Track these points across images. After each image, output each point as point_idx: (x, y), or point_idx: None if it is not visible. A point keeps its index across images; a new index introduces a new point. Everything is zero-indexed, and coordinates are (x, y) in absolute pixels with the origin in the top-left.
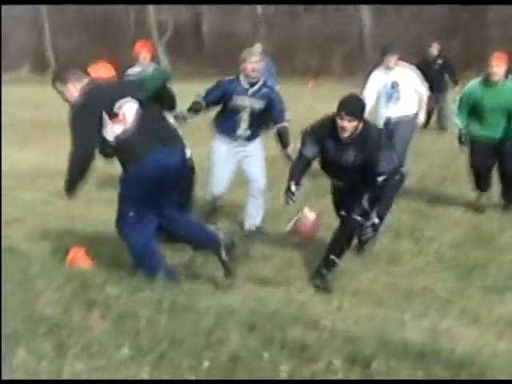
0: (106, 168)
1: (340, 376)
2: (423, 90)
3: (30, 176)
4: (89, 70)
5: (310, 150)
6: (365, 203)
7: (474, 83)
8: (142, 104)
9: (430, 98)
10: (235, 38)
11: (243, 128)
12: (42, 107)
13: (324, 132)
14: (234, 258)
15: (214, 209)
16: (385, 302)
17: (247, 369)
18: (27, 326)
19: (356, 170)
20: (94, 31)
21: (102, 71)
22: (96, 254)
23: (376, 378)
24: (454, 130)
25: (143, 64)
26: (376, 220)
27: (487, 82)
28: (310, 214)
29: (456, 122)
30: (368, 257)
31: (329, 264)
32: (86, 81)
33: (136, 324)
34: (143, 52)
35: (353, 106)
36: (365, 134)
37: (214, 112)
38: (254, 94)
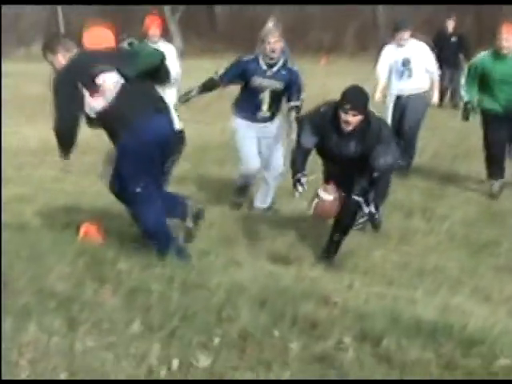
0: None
1: (350, 353)
2: (434, 69)
3: (41, 152)
4: (84, 35)
5: (310, 140)
6: (364, 183)
7: (483, 55)
8: (127, 78)
9: (443, 76)
10: (248, 14)
11: (264, 109)
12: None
13: (325, 123)
14: (198, 225)
15: (245, 187)
16: (396, 280)
17: (257, 345)
18: (38, 301)
19: (355, 160)
20: (106, 6)
21: (98, 39)
22: (107, 229)
23: (387, 355)
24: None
25: (152, 40)
26: (373, 209)
27: (497, 54)
28: (326, 195)
29: (463, 94)
30: (379, 235)
31: (333, 244)
32: (75, 51)
33: (147, 300)
34: (153, 27)
35: (358, 100)
36: (366, 126)
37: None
38: (274, 75)
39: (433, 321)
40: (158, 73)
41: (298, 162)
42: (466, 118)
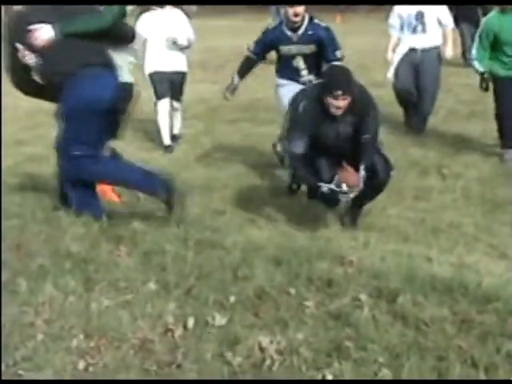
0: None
1: (366, 311)
2: (449, 22)
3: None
4: None
5: (302, 144)
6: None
7: (490, 15)
8: (64, 34)
9: (463, 33)
10: None
11: (304, 73)
12: None
13: (310, 118)
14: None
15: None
16: (411, 237)
17: (273, 304)
18: (54, 262)
19: (348, 139)
20: None
21: None
22: (122, 190)
23: (402, 312)
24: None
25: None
26: (363, 172)
27: (503, 12)
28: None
29: (476, 66)
30: (395, 193)
31: (355, 205)
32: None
33: (163, 259)
34: None
35: (346, 83)
36: (354, 102)
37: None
38: (300, 40)
39: (448, 278)
40: (112, 34)
41: (307, 175)
42: (485, 89)
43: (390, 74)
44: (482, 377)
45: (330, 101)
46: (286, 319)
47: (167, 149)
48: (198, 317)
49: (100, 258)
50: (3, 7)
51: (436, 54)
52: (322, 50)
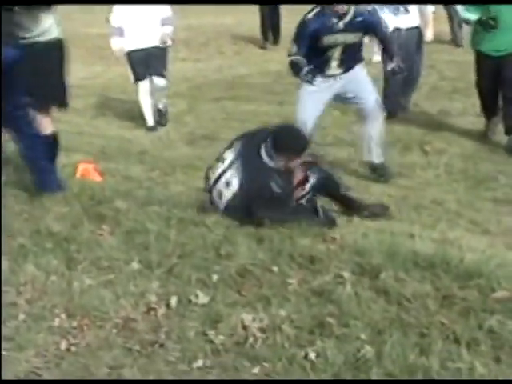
0: (109, 89)
1: (348, 287)
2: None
3: None
4: None
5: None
6: None
7: None
8: None
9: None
10: None
11: (334, 66)
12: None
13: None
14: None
15: None
16: (394, 214)
17: (256, 281)
18: (35, 241)
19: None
20: None
21: None
22: (104, 169)
23: (384, 288)
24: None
25: None
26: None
27: None
28: None
29: (466, 16)
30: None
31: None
32: None
33: (145, 238)
34: None
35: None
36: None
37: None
38: (347, 28)
39: (430, 254)
40: None
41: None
42: (492, 26)
43: (378, 56)
44: (464, 352)
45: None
46: (269, 297)
47: (150, 129)
48: (181, 295)
49: (82, 237)
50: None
51: (418, 32)
52: (374, 33)
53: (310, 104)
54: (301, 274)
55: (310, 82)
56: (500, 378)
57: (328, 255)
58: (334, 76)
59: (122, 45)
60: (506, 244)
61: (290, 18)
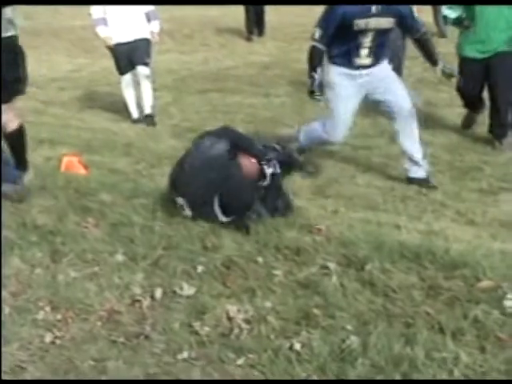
0: (95, 81)
1: (334, 279)
2: None
3: None
4: None
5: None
6: None
7: None
8: None
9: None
10: None
11: (363, 55)
12: (34, 17)
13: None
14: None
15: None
16: (380, 205)
17: (241, 273)
18: (20, 234)
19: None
20: None
21: None
22: (89, 161)
23: (370, 280)
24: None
25: None
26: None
27: None
28: None
29: (447, 13)
30: (362, 162)
31: None
32: None
33: (130, 231)
34: None
35: None
36: None
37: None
38: (379, 11)
39: (416, 245)
40: None
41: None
42: (466, 27)
43: None
44: (449, 342)
45: None
46: (254, 288)
47: (135, 122)
48: (166, 287)
49: (67, 230)
50: None
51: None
52: (402, 26)
53: (343, 105)
54: (286, 265)
55: (317, 99)
56: (485, 368)
57: (314, 247)
58: (362, 67)
59: (109, 33)
60: (491, 234)
61: (274, 9)
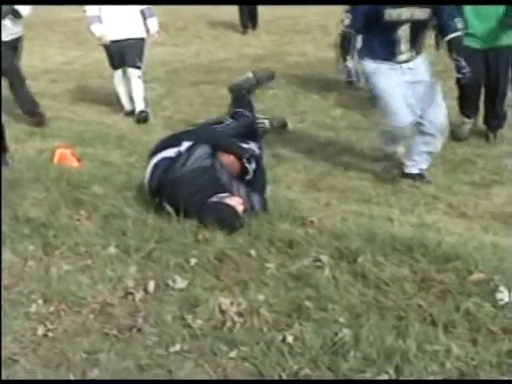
0: (87, 74)
1: (327, 271)
2: None
3: None
4: None
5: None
6: None
7: None
8: None
9: None
10: None
11: (404, 49)
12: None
13: None
14: None
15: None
16: (373, 198)
17: (234, 266)
18: (12, 227)
19: None
20: None
21: None
22: (82, 154)
23: (362, 272)
24: None
25: None
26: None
27: None
28: None
29: None
30: (356, 155)
31: None
32: None
33: (123, 223)
34: None
35: None
36: None
37: None
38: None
39: (408, 238)
40: None
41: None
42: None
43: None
44: (441, 335)
45: None
46: (247, 281)
47: (128, 114)
48: (159, 280)
49: (59, 223)
50: None
51: None
52: (436, 20)
53: (392, 92)
54: (279, 258)
55: (358, 87)
56: (476, 361)
57: (306, 239)
58: (401, 63)
59: (104, 31)
60: (483, 227)
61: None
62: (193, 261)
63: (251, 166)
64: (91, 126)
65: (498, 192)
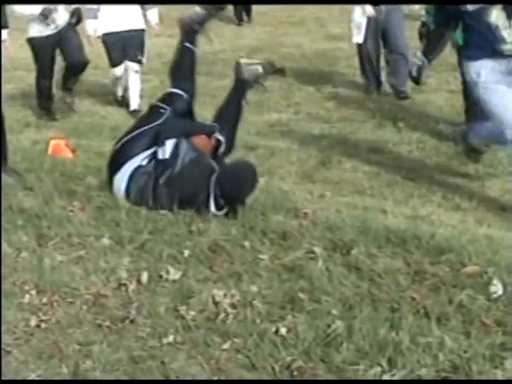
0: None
1: (320, 263)
2: None
3: (8, 69)
4: None
5: None
6: None
7: None
8: None
9: None
10: None
11: (507, 34)
12: None
13: None
14: None
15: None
16: (367, 190)
17: (227, 257)
18: (6, 218)
19: None
20: None
21: None
22: (76, 145)
23: (356, 264)
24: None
25: None
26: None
27: None
28: None
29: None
30: (350, 146)
31: None
32: None
33: (116, 214)
34: None
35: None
36: None
37: None
38: None
39: (402, 230)
40: None
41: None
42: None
43: (360, 38)
44: (434, 327)
45: None
46: (240, 272)
47: (118, 101)
48: (152, 271)
49: (53, 214)
50: None
51: (399, 9)
52: None
53: (502, 101)
54: (273, 249)
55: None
56: (469, 353)
57: (300, 231)
58: (506, 54)
59: (95, 27)
60: (477, 219)
61: None
62: (186, 252)
63: (223, 138)
64: (85, 117)
65: (493, 185)
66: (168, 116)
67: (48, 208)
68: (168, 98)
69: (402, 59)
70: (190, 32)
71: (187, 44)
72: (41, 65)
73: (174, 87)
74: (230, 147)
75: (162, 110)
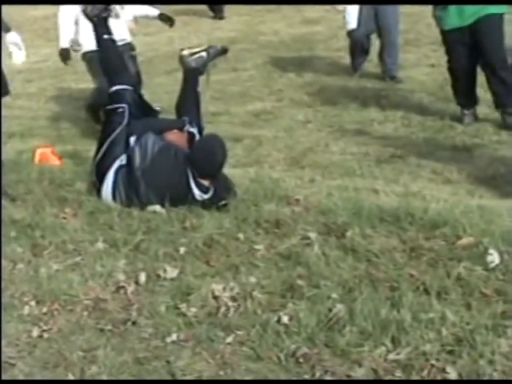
0: (61, 70)
1: (316, 248)
2: None
3: None
4: None
5: None
6: None
7: None
8: None
9: None
10: None
11: None
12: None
13: None
14: None
15: None
16: (356, 171)
17: (223, 250)
18: None
19: None
20: None
21: None
22: (62, 151)
23: (352, 246)
24: None
25: None
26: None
27: None
28: None
29: None
30: (336, 129)
31: None
32: None
33: (109, 217)
34: None
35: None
36: None
37: None
38: None
39: (395, 208)
40: None
41: None
42: None
43: (353, 24)
44: (435, 302)
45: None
46: (237, 265)
47: None
48: (149, 271)
49: (45, 222)
50: None
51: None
52: None
53: None
54: (267, 239)
55: None
56: (472, 325)
57: (293, 218)
58: None
59: (71, 43)
60: (468, 191)
61: None
62: (182, 249)
63: (195, 130)
64: (69, 122)
65: (480, 154)
66: (128, 112)
67: (40, 217)
68: (115, 97)
69: (394, 45)
70: (98, 22)
71: (104, 36)
72: None
73: (113, 85)
74: (200, 132)
75: (120, 109)
